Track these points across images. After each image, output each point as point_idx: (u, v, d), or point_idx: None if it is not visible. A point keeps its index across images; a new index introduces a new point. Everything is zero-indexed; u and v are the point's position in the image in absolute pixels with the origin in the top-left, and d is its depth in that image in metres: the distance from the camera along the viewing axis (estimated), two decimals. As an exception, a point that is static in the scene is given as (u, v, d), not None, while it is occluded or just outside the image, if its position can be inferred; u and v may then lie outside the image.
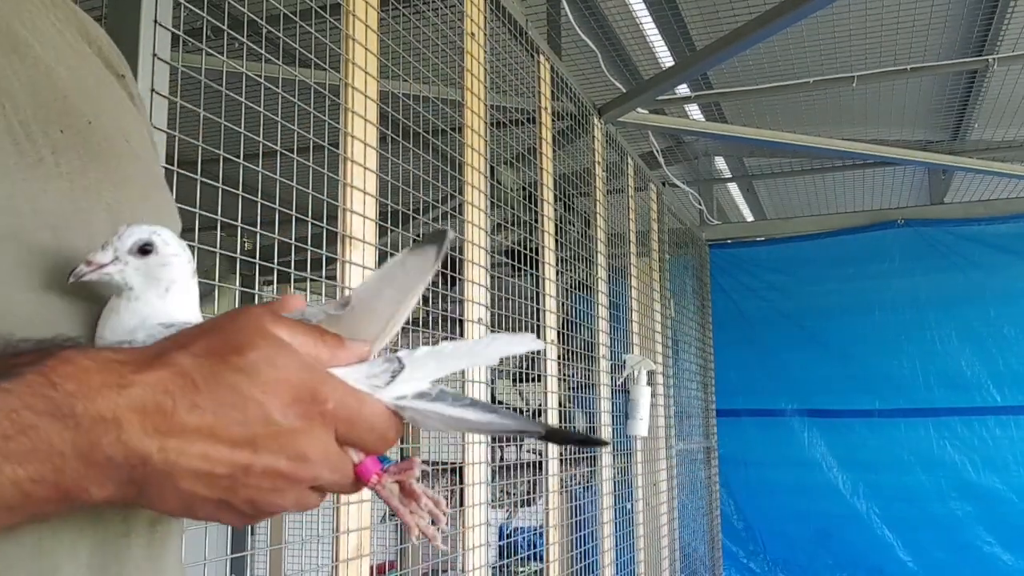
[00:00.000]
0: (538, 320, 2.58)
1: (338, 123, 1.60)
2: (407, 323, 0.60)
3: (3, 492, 0.41)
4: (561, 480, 2.72)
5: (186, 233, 1.13)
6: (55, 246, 0.49)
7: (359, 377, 0.51)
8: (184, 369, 0.45)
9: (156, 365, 0.45)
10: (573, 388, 3.05)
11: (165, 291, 0.51)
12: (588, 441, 0.60)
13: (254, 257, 1.45)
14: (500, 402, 3.41)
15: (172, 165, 1.20)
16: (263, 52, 1.43)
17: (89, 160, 0.55)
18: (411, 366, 0.53)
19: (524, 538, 3.37)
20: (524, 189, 2.73)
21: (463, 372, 2.13)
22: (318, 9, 1.62)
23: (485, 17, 2.27)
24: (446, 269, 2.04)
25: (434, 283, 1.96)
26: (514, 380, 3.47)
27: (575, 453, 3.05)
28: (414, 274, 0.55)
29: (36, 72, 0.54)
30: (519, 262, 2.50)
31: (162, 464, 0.44)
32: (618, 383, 3.40)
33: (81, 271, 0.49)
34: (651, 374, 3.59)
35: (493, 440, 2.71)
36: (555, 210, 2.79)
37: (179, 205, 1.17)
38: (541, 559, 2.69)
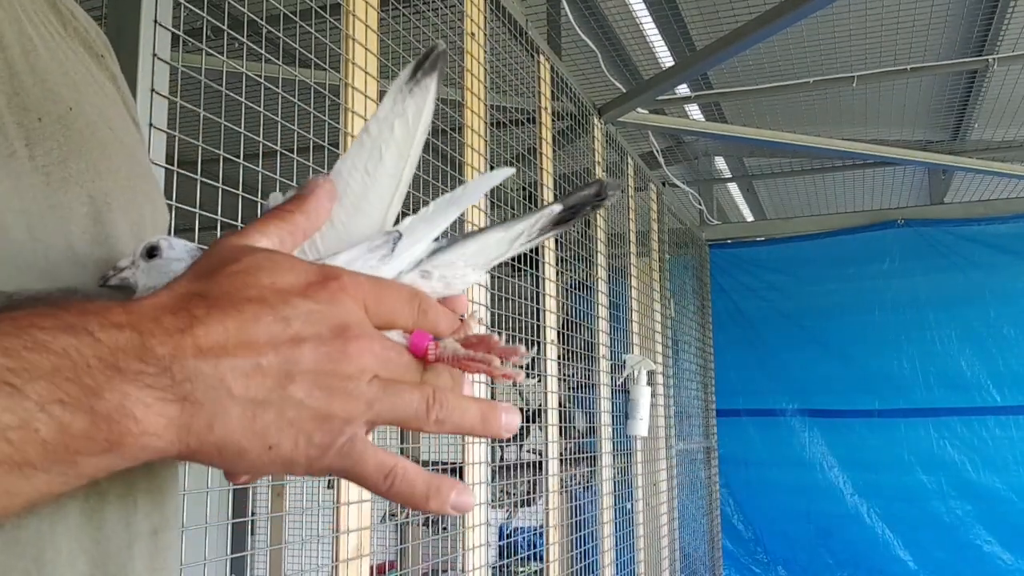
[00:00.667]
0: (538, 320, 2.58)
1: (338, 123, 1.60)
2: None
3: (32, 421, 0.35)
4: (561, 480, 2.72)
5: (186, 233, 1.13)
6: (31, 246, 0.47)
7: (362, 254, 0.48)
8: (185, 291, 0.41)
9: (151, 297, 0.41)
10: (573, 388, 3.06)
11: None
12: (603, 193, 0.51)
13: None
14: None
15: (172, 165, 1.20)
16: (263, 52, 1.43)
17: (70, 150, 0.52)
18: (407, 234, 0.49)
19: (524, 538, 3.37)
20: (524, 189, 2.74)
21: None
22: (318, 9, 1.62)
23: (485, 17, 2.27)
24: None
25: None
26: (514, 380, 3.45)
27: (575, 453, 3.05)
28: (415, 119, 0.49)
29: (13, 55, 0.51)
30: (519, 262, 2.50)
31: (205, 366, 0.39)
32: (618, 383, 3.40)
33: (107, 275, 0.50)
34: (651, 374, 3.59)
35: (493, 440, 2.71)
36: (555, 210, 2.79)
37: (179, 205, 1.17)
38: (541, 559, 2.69)
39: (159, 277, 0.50)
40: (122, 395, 0.37)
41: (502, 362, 0.48)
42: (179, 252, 0.51)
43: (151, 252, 0.50)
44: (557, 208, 0.51)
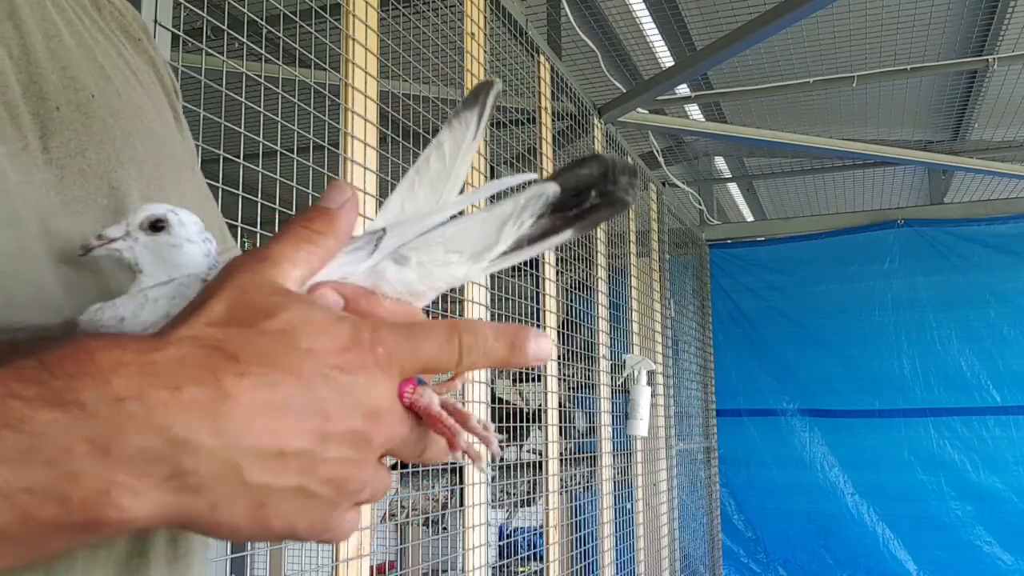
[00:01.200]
0: (538, 320, 2.58)
1: (338, 123, 1.60)
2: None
3: None
4: (561, 480, 2.72)
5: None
6: (45, 241, 0.45)
7: (345, 260, 0.43)
8: (211, 341, 0.35)
9: (171, 342, 0.35)
10: (573, 388, 3.06)
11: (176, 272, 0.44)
12: (611, 175, 0.41)
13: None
14: (500, 399, 3.41)
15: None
16: (263, 52, 1.43)
17: (89, 139, 0.49)
18: (391, 232, 0.43)
19: (524, 538, 3.37)
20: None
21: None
22: (318, 9, 1.62)
23: (485, 17, 2.27)
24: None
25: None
26: (514, 380, 3.47)
27: (575, 453, 3.05)
28: (452, 155, 0.45)
29: (32, 41, 0.48)
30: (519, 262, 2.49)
31: (222, 451, 0.33)
32: (618, 383, 3.40)
33: (90, 244, 0.44)
34: (651, 374, 3.59)
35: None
36: (555, 210, 2.79)
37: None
38: (541, 559, 2.69)
39: (167, 259, 0.44)
40: (108, 483, 0.32)
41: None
42: (191, 232, 0.45)
43: (156, 225, 0.44)
44: (551, 188, 0.42)
